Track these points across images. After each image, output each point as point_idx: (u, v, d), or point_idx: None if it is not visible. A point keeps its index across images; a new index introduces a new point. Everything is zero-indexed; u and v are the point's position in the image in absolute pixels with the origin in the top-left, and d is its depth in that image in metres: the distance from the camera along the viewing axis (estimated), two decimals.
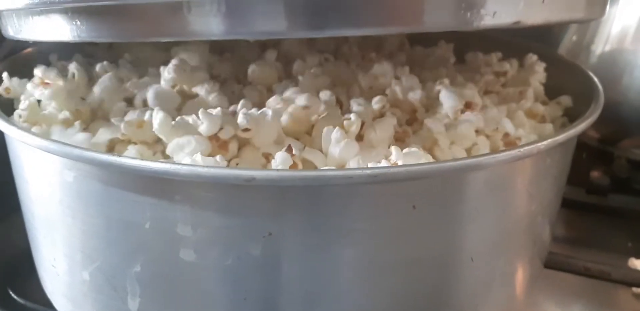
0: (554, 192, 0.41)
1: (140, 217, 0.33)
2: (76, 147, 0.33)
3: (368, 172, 0.30)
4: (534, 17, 0.31)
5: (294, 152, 0.34)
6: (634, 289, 0.54)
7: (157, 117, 0.35)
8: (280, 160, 0.33)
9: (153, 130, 0.36)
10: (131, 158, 0.31)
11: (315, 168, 0.35)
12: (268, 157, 0.35)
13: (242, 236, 0.32)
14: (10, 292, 0.51)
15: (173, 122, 0.36)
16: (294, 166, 0.33)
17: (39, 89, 0.42)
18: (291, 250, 0.33)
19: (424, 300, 0.37)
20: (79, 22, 0.31)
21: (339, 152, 0.34)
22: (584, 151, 0.70)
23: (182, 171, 0.30)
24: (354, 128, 0.36)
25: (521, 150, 0.33)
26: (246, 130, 0.35)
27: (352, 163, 0.34)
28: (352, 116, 0.36)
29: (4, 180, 0.43)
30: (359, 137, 0.37)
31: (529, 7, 0.30)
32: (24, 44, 0.42)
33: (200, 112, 0.35)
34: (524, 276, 0.43)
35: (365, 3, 0.28)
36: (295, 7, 0.28)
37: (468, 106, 0.39)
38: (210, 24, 0.29)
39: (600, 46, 0.69)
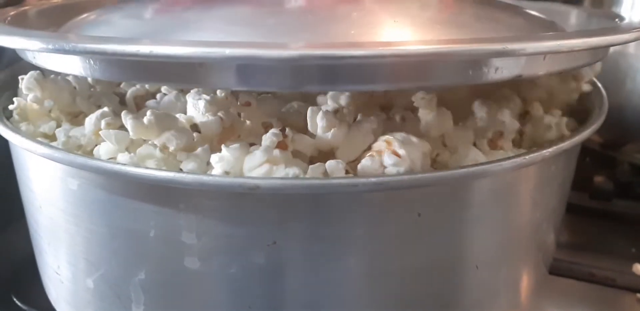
0: (558, 198, 0.41)
1: (144, 225, 0.33)
2: (80, 155, 0.33)
3: (373, 179, 0.30)
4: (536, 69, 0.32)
5: (286, 132, 0.33)
6: (639, 295, 0.54)
7: (128, 124, 0.35)
8: (269, 135, 0.33)
9: (131, 137, 0.35)
10: (135, 167, 0.31)
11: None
12: (267, 128, 0.35)
13: (246, 244, 0.32)
14: (15, 299, 0.51)
15: (146, 120, 0.35)
16: (282, 146, 0.33)
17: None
18: (296, 259, 0.33)
19: (429, 308, 0.36)
20: (92, 63, 0.31)
21: (330, 137, 0.34)
22: (587, 156, 0.70)
23: (187, 179, 0.30)
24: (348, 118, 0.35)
25: (526, 157, 0.33)
26: (247, 104, 0.35)
27: (342, 150, 0.34)
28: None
29: (8, 187, 0.43)
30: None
31: (530, 62, 0.31)
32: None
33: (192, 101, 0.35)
34: (529, 283, 0.42)
35: (380, 64, 0.29)
36: (308, 68, 0.29)
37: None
38: (224, 77, 0.29)
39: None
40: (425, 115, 0.37)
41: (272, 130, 0.33)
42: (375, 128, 0.36)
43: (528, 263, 0.41)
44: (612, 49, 0.68)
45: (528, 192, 0.37)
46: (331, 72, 0.29)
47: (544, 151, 0.34)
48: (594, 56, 0.36)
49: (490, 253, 0.37)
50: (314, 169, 0.32)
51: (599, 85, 0.47)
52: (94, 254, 0.36)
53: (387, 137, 0.33)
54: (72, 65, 0.32)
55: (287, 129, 0.34)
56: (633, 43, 0.65)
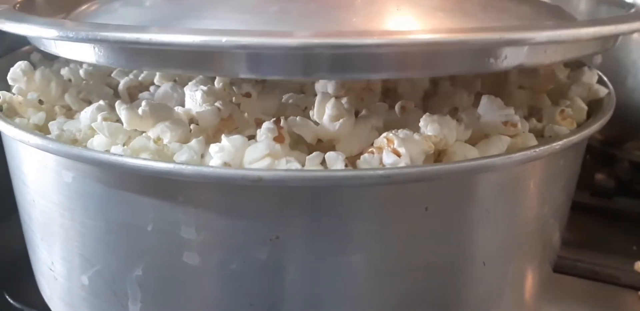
0: (565, 194, 0.40)
1: (142, 218, 0.32)
2: (75, 146, 0.32)
3: (380, 172, 0.29)
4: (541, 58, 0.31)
5: (281, 124, 0.32)
6: None
7: (122, 115, 0.34)
8: (265, 130, 0.32)
9: (125, 127, 0.34)
10: (133, 158, 0.30)
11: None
12: (260, 125, 0.34)
13: (248, 239, 0.31)
14: (7, 297, 0.50)
15: (141, 111, 0.34)
16: (279, 139, 0.32)
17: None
18: (299, 254, 0.32)
19: (434, 304, 0.35)
20: (105, 50, 0.31)
21: (336, 128, 0.33)
22: (587, 153, 0.69)
23: (186, 171, 0.29)
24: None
25: (536, 150, 0.32)
26: (248, 95, 0.34)
27: (343, 144, 0.33)
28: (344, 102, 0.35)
29: (1, 181, 0.42)
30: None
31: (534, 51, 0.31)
32: (23, 41, 0.40)
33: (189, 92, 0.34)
34: (535, 281, 0.42)
35: (388, 53, 0.28)
36: (317, 56, 0.28)
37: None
38: (234, 65, 0.29)
39: None
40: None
41: (265, 124, 0.32)
42: (381, 126, 0.35)
43: (534, 259, 0.40)
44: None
45: (536, 187, 0.36)
46: (341, 60, 0.28)
47: (554, 144, 0.33)
48: (602, 45, 0.35)
49: (497, 248, 0.36)
50: (312, 159, 0.31)
51: (605, 79, 0.46)
52: (90, 249, 0.35)
53: (389, 134, 0.31)
54: (83, 53, 0.31)
55: (282, 120, 0.33)
56: (635, 40, 0.65)
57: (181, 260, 0.32)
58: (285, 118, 0.33)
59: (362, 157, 0.32)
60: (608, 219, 0.66)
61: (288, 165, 0.31)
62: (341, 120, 0.33)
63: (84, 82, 0.45)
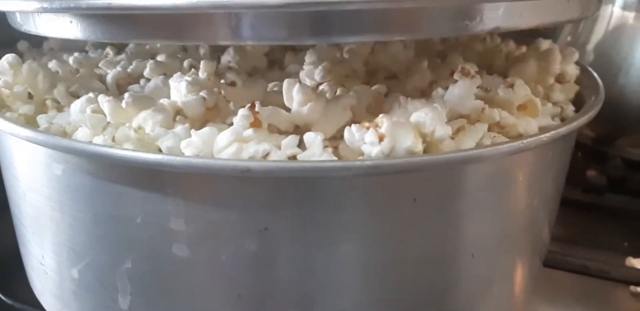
0: (554, 187, 0.41)
1: (131, 211, 0.32)
2: (64, 138, 0.32)
3: (368, 163, 0.29)
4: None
5: (256, 109, 0.32)
6: (632, 288, 0.53)
7: (105, 107, 0.34)
8: (240, 117, 0.32)
9: (108, 120, 0.34)
10: (122, 149, 0.30)
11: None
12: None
13: (237, 230, 0.31)
14: None
15: (124, 103, 0.34)
16: (256, 124, 0.32)
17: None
18: (288, 245, 0.32)
19: (423, 296, 0.36)
20: (77, 24, 0.30)
21: (305, 112, 0.33)
22: (579, 150, 0.69)
23: (175, 162, 0.29)
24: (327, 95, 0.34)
25: (524, 141, 0.33)
26: (233, 84, 0.34)
27: (318, 126, 0.33)
28: (323, 86, 0.35)
29: None
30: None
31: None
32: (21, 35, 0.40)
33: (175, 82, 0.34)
34: (524, 275, 0.42)
35: (369, 14, 0.29)
36: (300, 17, 0.28)
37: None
38: (218, 31, 0.29)
39: (596, 45, 0.69)
40: None
41: (240, 111, 0.32)
42: (355, 104, 0.35)
43: (524, 253, 0.41)
44: (605, 42, 0.68)
45: (525, 178, 0.36)
46: (324, 21, 0.28)
47: (542, 136, 0.33)
48: (581, 11, 0.35)
49: (486, 241, 0.36)
50: (289, 141, 0.31)
51: (595, 74, 0.46)
52: (79, 243, 0.35)
53: (380, 117, 0.31)
54: (61, 28, 0.31)
55: (256, 105, 0.32)
56: (626, 37, 0.65)
57: (170, 252, 0.32)
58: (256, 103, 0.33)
59: (345, 131, 0.32)
60: (599, 215, 0.67)
61: (256, 148, 0.30)
62: (309, 104, 0.33)
63: (73, 74, 0.45)
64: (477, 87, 0.36)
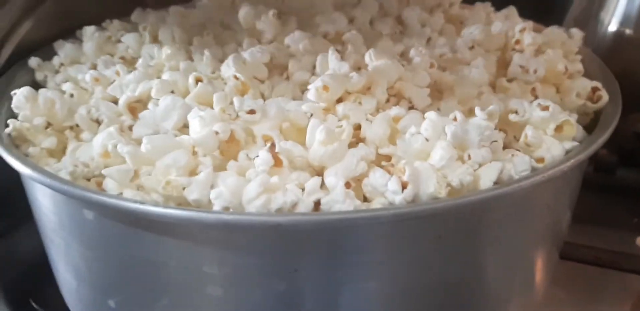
0: (573, 197, 0.41)
1: (164, 256, 0.33)
2: (96, 192, 0.32)
3: (393, 211, 0.30)
4: None
5: (277, 150, 0.33)
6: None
7: (127, 157, 0.34)
8: (262, 161, 0.32)
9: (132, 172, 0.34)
10: (153, 206, 0.30)
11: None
12: (268, 140, 0.34)
13: (267, 273, 0.33)
14: (32, 302, 0.51)
15: (144, 148, 0.34)
16: (277, 164, 0.33)
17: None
18: (316, 285, 0.33)
19: None
20: None
21: (322, 155, 0.33)
22: None
23: (208, 220, 0.30)
24: (345, 136, 0.34)
25: (544, 175, 0.33)
26: (251, 112, 0.35)
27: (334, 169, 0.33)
28: (344, 123, 0.35)
29: (11, 189, 0.42)
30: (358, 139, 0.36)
31: None
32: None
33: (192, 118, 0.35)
34: (542, 278, 0.43)
35: None
36: None
37: None
38: None
39: (609, 15, 0.68)
40: None
41: (261, 154, 0.32)
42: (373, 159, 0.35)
43: (544, 259, 0.41)
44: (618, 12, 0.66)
45: (545, 202, 0.37)
46: None
47: (562, 166, 0.34)
48: None
49: (508, 262, 0.37)
50: (312, 187, 0.32)
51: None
52: (114, 280, 0.36)
53: (403, 164, 0.32)
54: None
55: (276, 146, 0.33)
56: None
57: (205, 292, 0.34)
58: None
59: (370, 175, 0.33)
60: (610, 194, 0.67)
61: (284, 199, 0.31)
62: (329, 146, 0.33)
63: (89, 95, 0.44)
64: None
